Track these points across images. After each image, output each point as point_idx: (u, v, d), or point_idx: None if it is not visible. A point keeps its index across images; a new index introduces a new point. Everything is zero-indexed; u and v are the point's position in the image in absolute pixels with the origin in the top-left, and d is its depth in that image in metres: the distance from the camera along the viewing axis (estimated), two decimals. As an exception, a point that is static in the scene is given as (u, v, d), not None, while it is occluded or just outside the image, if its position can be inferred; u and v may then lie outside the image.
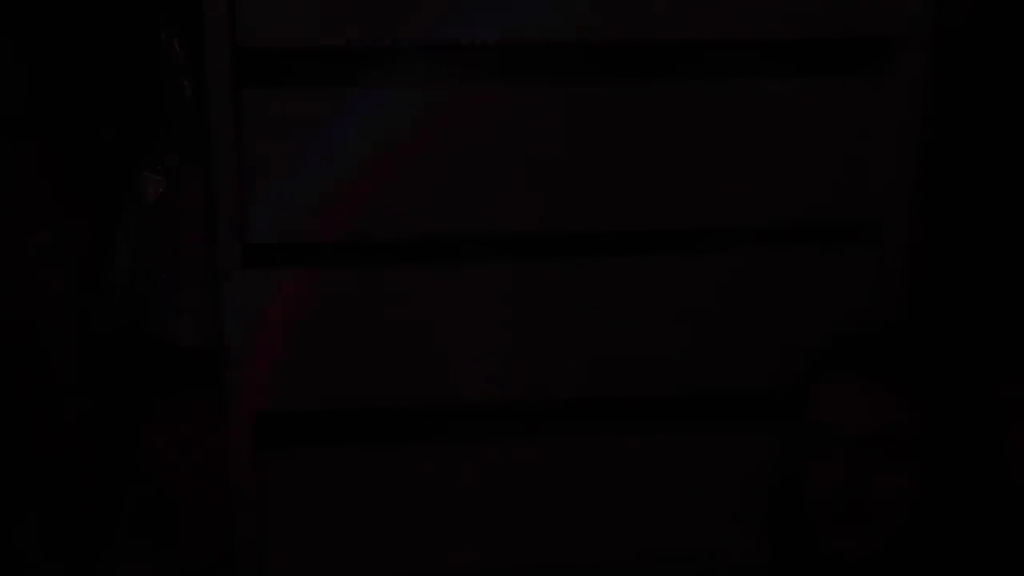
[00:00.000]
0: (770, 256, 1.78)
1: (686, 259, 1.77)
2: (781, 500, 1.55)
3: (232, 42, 1.63)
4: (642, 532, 1.84)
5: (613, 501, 1.83)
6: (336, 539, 1.81)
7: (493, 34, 1.66)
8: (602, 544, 1.84)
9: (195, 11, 1.62)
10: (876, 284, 1.78)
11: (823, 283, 1.79)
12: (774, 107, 1.73)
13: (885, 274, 1.78)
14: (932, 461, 1.44)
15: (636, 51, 1.73)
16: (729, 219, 1.76)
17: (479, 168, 1.71)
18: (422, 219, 1.72)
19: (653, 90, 1.71)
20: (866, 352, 1.49)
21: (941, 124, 1.80)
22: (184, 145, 1.78)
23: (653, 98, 1.71)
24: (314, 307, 1.73)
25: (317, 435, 1.80)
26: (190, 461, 1.84)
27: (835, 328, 1.61)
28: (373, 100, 1.68)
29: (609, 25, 1.68)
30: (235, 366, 1.73)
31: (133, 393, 1.85)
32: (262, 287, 1.72)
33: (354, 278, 1.73)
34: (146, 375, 1.86)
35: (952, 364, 1.53)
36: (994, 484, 1.50)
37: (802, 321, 1.76)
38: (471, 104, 1.69)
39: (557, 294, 1.76)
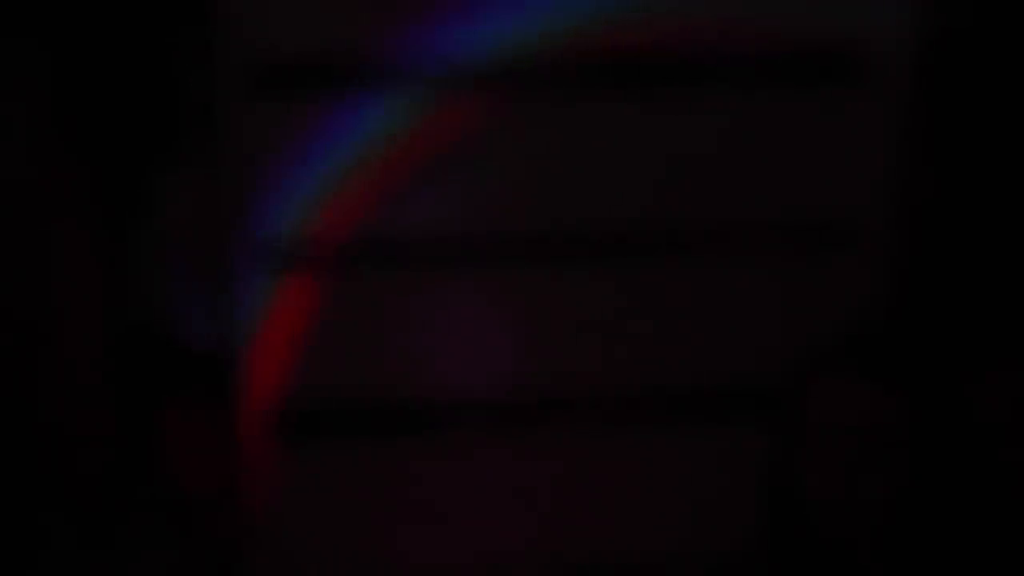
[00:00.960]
0: (767, 258, 1.80)
1: (684, 260, 1.79)
2: (781, 500, 1.55)
3: (244, 50, 1.67)
4: (642, 531, 1.85)
5: (614, 500, 1.84)
6: (345, 534, 1.83)
7: (493, 47, 1.71)
8: (603, 543, 1.85)
9: (207, 17, 1.66)
10: (868, 285, 1.80)
11: (818, 284, 1.81)
12: (760, 116, 1.77)
13: (875, 275, 1.80)
14: (929, 459, 1.44)
15: (626, 63, 1.77)
16: (727, 222, 1.79)
17: (480, 172, 1.75)
18: (427, 221, 1.76)
19: (645, 100, 1.75)
20: (863, 351, 1.50)
21: (923, 130, 1.83)
22: (197, 149, 1.81)
23: (646, 108, 1.75)
24: (323, 307, 1.76)
25: (325, 433, 1.82)
26: (202, 459, 1.85)
27: (829, 328, 1.63)
28: (380, 107, 1.72)
29: (599, 39, 1.72)
30: (246, 366, 1.75)
31: (146, 392, 1.88)
32: (272, 288, 1.74)
33: (362, 279, 1.76)
34: (159, 375, 1.88)
35: (947, 362, 1.54)
36: (990, 481, 1.50)
37: (797, 322, 1.78)
38: (474, 109, 1.73)
39: (556, 295, 1.79)
